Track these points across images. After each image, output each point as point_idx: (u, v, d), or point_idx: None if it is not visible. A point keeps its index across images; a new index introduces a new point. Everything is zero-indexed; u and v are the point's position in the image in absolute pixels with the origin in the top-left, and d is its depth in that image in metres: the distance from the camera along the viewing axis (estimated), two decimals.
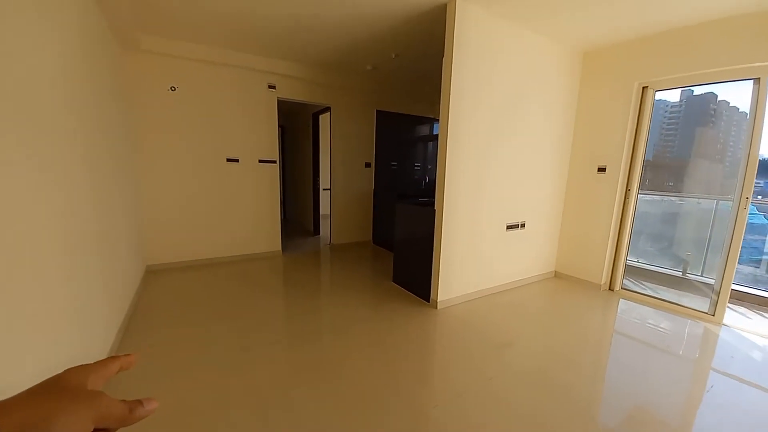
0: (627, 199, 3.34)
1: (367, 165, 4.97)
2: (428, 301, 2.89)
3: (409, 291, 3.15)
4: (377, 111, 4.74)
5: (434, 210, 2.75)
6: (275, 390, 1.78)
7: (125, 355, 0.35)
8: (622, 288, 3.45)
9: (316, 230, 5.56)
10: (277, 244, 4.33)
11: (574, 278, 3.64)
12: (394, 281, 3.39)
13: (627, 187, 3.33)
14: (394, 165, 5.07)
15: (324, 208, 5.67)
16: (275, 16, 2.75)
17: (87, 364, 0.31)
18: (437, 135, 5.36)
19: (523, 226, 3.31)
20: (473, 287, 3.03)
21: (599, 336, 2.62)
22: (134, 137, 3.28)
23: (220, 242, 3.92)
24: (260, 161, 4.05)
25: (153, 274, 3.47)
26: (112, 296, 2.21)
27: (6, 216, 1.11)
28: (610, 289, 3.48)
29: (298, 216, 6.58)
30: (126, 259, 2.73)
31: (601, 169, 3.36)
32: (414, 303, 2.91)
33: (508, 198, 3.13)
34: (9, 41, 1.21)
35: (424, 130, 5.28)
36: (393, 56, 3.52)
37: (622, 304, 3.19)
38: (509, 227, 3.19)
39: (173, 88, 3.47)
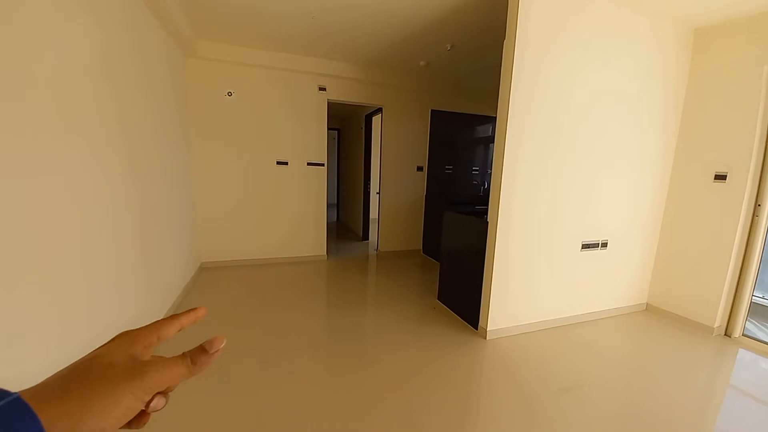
0: (756, 217, 2.50)
1: (420, 168, 4.65)
2: (476, 328, 2.46)
3: (455, 313, 2.74)
4: (432, 110, 4.41)
5: (487, 221, 2.32)
6: (285, 417, 1.57)
7: (190, 310, 0.33)
8: (743, 334, 2.59)
9: (365, 235, 5.40)
10: (322, 249, 4.24)
11: (674, 315, 2.86)
12: (439, 299, 3.01)
13: (757, 201, 2.50)
14: (449, 169, 4.66)
15: (374, 212, 5.48)
16: (328, 7, 2.62)
17: (132, 330, 0.29)
18: None
19: (604, 245, 2.68)
20: (534, 316, 2.51)
21: (706, 394, 1.95)
22: (191, 140, 3.43)
23: (267, 244, 3.95)
24: (309, 164, 4.00)
25: (206, 271, 3.60)
26: (153, 289, 2.27)
27: (58, 212, 1.29)
28: (726, 334, 2.64)
29: (349, 219, 6.52)
30: (176, 256, 2.83)
31: (720, 177, 2.57)
32: (460, 329, 2.51)
33: (586, 209, 2.54)
34: (66, 54, 1.32)
35: (483, 130, 4.79)
36: (448, 48, 3.16)
37: (743, 355, 2.37)
38: (586, 246, 2.60)
39: (230, 94, 3.57)
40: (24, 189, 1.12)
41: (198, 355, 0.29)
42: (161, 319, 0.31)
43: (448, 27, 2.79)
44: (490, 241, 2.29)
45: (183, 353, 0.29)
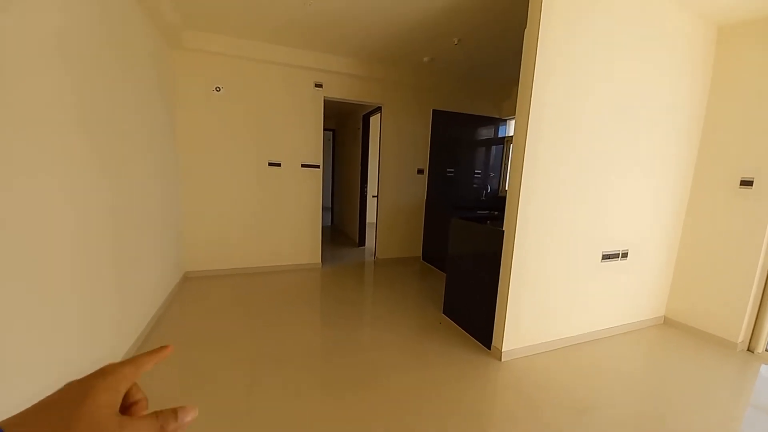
0: None
1: (420, 171, 4.42)
2: (488, 347, 2.23)
3: (463, 329, 2.51)
4: (434, 111, 4.18)
5: (502, 230, 2.10)
6: None
7: (158, 349, 0.33)
8: (766, 350, 2.42)
9: (362, 241, 5.14)
10: (317, 256, 3.98)
11: (694, 329, 2.67)
12: (444, 313, 2.77)
13: None
14: (450, 172, 4.44)
15: (371, 216, 5.24)
16: None
17: (110, 389, 0.27)
18: (503, 138, 4.66)
19: (625, 255, 2.48)
20: (551, 334, 2.29)
21: (728, 412, 1.81)
22: (176, 139, 3.14)
23: (257, 252, 3.67)
24: (303, 166, 3.74)
25: (190, 281, 3.31)
26: (127, 303, 1.99)
27: (12, 216, 1.11)
28: (749, 350, 2.47)
29: (344, 224, 6.26)
30: (157, 264, 2.56)
31: (746, 183, 2.40)
32: (469, 348, 2.27)
33: (606, 216, 2.34)
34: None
35: (486, 132, 4.58)
36: (455, 42, 2.95)
37: (766, 371, 2.21)
38: (606, 257, 2.39)
39: (218, 89, 3.30)
40: None
41: (168, 420, 0.29)
42: (127, 366, 0.29)
43: (456, 18, 2.57)
44: (507, 252, 2.07)
45: (155, 414, 0.29)
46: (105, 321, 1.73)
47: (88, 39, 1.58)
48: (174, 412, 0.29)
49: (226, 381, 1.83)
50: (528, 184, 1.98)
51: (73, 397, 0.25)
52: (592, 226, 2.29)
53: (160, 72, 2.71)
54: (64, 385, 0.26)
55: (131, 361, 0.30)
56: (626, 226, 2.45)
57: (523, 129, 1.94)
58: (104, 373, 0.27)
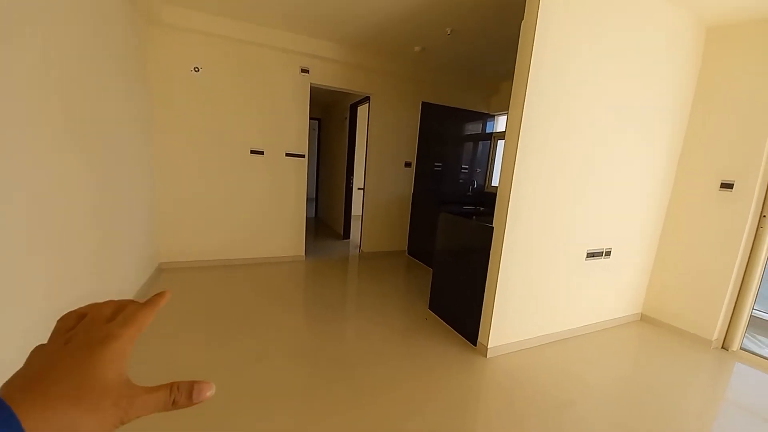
0: (761, 228, 2.42)
1: (407, 165, 4.36)
2: (474, 344, 2.22)
3: (449, 325, 2.49)
4: (423, 103, 4.11)
5: (491, 227, 2.07)
6: None
7: (156, 296, 0.31)
8: (741, 348, 2.52)
9: (346, 233, 5.06)
10: (300, 249, 3.87)
11: (669, 326, 2.76)
12: (431, 308, 2.75)
13: (763, 212, 2.41)
14: (438, 166, 4.41)
15: (356, 209, 5.15)
16: None
17: (122, 339, 0.25)
18: (490, 134, 4.64)
19: (608, 254, 2.51)
20: (536, 331, 2.30)
21: (702, 409, 1.90)
22: (151, 122, 2.94)
23: (236, 243, 3.53)
24: (287, 155, 3.60)
25: (165, 273, 3.14)
26: (98, 294, 1.83)
27: None
28: (723, 347, 2.57)
29: (328, 215, 6.14)
30: (126, 256, 2.40)
31: (726, 185, 2.46)
32: (456, 344, 2.26)
33: (592, 215, 2.35)
34: None
35: (474, 127, 4.56)
36: (448, 32, 2.87)
37: (740, 368, 2.31)
38: (591, 255, 2.41)
39: (197, 69, 3.11)
40: None
41: (183, 398, 0.27)
42: (134, 312, 0.28)
43: (451, 7, 2.50)
44: (496, 249, 2.04)
45: (170, 385, 0.27)
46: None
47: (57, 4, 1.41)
48: (190, 387, 0.27)
49: (207, 378, 1.73)
50: (519, 180, 1.95)
51: (79, 363, 0.23)
52: (579, 225, 2.30)
53: (135, 49, 2.51)
54: (60, 349, 0.24)
55: (133, 319, 0.27)
56: (610, 224, 2.48)
57: (516, 124, 1.90)
58: (108, 338, 0.25)
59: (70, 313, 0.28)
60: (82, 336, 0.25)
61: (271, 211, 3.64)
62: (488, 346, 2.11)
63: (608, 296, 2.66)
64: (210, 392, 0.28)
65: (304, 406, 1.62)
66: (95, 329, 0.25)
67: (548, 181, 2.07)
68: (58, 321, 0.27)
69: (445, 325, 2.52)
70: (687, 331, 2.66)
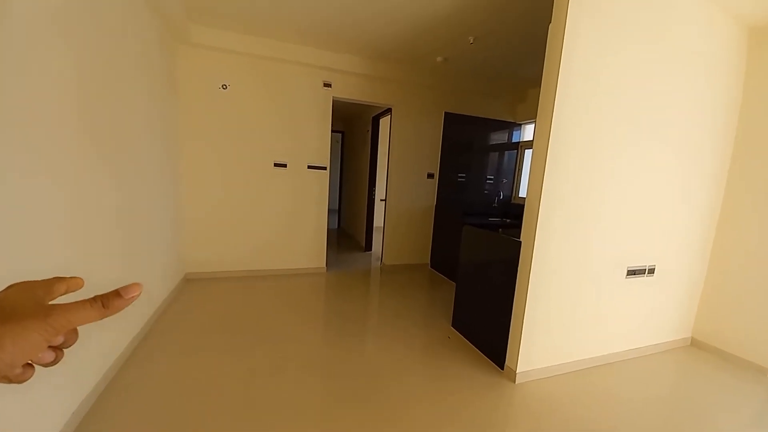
0: None
1: (430, 176, 4.27)
2: (501, 367, 2.06)
3: (474, 345, 2.35)
4: (446, 113, 4.04)
5: (519, 241, 1.94)
6: None
7: (71, 277, 0.35)
8: None
9: (368, 245, 5.01)
10: (321, 261, 3.85)
11: (723, 352, 2.46)
12: (454, 326, 2.61)
13: None
14: (461, 177, 4.29)
15: (378, 220, 5.11)
16: None
17: (31, 281, 0.31)
18: (517, 143, 4.48)
19: (651, 271, 2.29)
20: (571, 355, 2.12)
21: None
22: (179, 136, 3.07)
23: (259, 254, 3.57)
24: (309, 167, 3.63)
25: (191, 283, 3.21)
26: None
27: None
28: None
29: (350, 227, 6.14)
30: (156, 265, 2.49)
31: None
32: (481, 367, 2.11)
33: (633, 229, 2.16)
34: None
35: (500, 137, 4.42)
36: (470, 42, 2.81)
37: None
38: (632, 272, 2.21)
39: (225, 86, 3.22)
40: None
41: (111, 299, 0.30)
42: (51, 278, 0.33)
43: (473, 15, 2.44)
44: (524, 266, 1.91)
45: (94, 297, 0.30)
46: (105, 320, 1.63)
47: (90, 23, 1.49)
48: (116, 292, 0.31)
49: (222, 391, 1.70)
50: (549, 191, 1.82)
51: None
52: (617, 239, 2.11)
53: (165, 67, 2.63)
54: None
55: (76, 306, 0.29)
56: (653, 240, 2.27)
57: (545, 132, 1.78)
58: (47, 313, 0.28)
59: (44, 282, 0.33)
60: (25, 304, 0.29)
61: (294, 223, 3.66)
62: (517, 371, 1.95)
63: (652, 318, 2.41)
64: (138, 291, 0.31)
65: (319, 423, 1.55)
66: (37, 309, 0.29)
67: (581, 193, 1.92)
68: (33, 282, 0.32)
69: (469, 344, 2.38)
70: (743, 358, 2.36)
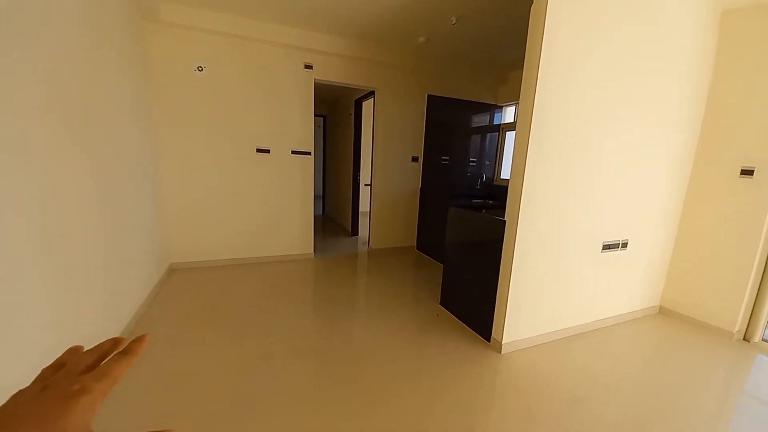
0: None
1: (414, 159, 4.30)
2: (488, 340, 2.18)
3: (461, 321, 2.46)
4: (429, 96, 4.04)
5: (503, 220, 2.02)
6: None
7: (136, 341, 0.32)
8: (763, 339, 2.44)
9: (354, 230, 5.04)
10: (309, 247, 3.86)
11: (689, 318, 2.68)
12: (442, 304, 2.71)
13: None
14: (445, 160, 4.34)
15: (364, 205, 5.13)
16: None
17: (83, 392, 0.26)
18: (498, 125, 4.56)
19: (624, 245, 2.44)
20: (551, 326, 2.26)
21: (722, 401, 1.81)
22: (155, 123, 2.94)
23: (245, 242, 3.53)
24: (293, 152, 3.58)
25: (176, 273, 3.16)
26: (113, 298, 1.85)
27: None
28: (745, 339, 2.49)
29: (336, 212, 6.13)
30: (138, 257, 2.42)
31: (747, 172, 2.37)
32: (469, 340, 2.22)
33: (607, 206, 2.28)
34: None
35: (482, 119, 4.48)
36: (453, 22, 2.80)
37: (762, 360, 2.24)
38: (607, 247, 2.35)
39: (200, 68, 3.09)
40: None
41: (109, 370, 0.28)
42: (110, 366, 0.28)
43: None
44: (508, 244, 1.99)
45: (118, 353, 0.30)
46: (88, 316, 1.60)
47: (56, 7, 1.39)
48: (137, 339, 0.32)
49: (213, 381, 1.73)
50: (531, 172, 1.89)
51: (49, 412, 0.24)
52: (594, 216, 2.23)
53: (134, 46, 2.49)
54: (35, 395, 0.25)
55: (108, 372, 0.27)
56: (627, 215, 2.41)
57: (527, 113, 1.83)
58: (80, 392, 0.25)
59: (50, 365, 0.29)
60: (55, 387, 0.26)
61: (279, 209, 3.63)
62: (502, 342, 2.06)
63: (625, 289, 2.59)
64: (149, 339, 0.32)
65: (312, 405, 1.61)
66: (70, 381, 0.26)
67: (561, 172, 2.00)
68: (42, 370, 0.29)
69: (457, 321, 2.48)
70: (707, 323, 2.58)
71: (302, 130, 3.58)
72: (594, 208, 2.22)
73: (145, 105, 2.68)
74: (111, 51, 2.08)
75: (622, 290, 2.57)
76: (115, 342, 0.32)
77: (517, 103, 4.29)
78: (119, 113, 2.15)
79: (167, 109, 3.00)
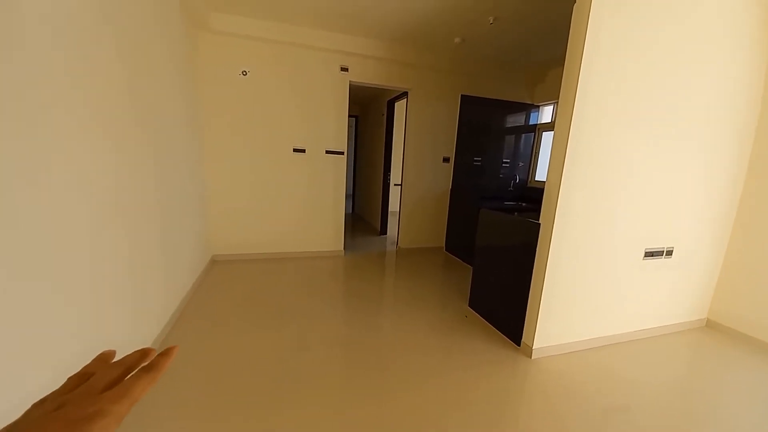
0: None
1: (446, 160, 4.29)
2: (518, 344, 2.15)
3: (490, 323, 2.44)
4: (462, 96, 4.02)
5: (538, 223, 1.99)
6: None
7: (162, 355, 0.30)
8: None
9: (383, 229, 5.10)
10: (339, 244, 3.97)
11: (738, 333, 2.49)
12: (470, 306, 2.70)
13: None
14: (477, 161, 4.29)
15: (393, 205, 5.18)
16: None
17: (100, 415, 0.24)
18: (534, 125, 4.44)
19: (669, 253, 2.31)
20: (586, 333, 2.19)
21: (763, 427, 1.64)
22: (202, 122, 3.16)
23: (282, 237, 3.70)
24: (327, 152, 3.69)
25: (217, 265, 3.38)
26: (168, 284, 2.07)
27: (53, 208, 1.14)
28: None
29: (365, 211, 6.23)
30: (186, 248, 2.62)
31: None
32: (498, 343, 2.21)
33: (651, 212, 2.17)
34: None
35: (517, 119, 4.37)
36: (490, 21, 2.77)
37: None
38: (649, 254, 2.24)
39: (245, 73, 3.27)
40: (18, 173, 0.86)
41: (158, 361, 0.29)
42: (131, 386, 0.27)
43: None
44: (542, 246, 1.96)
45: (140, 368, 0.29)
46: (151, 295, 1.80)
47: (127, 12, 1.57)
48: (163, 353, 0.30)
49: (251, 367, 1.84)
50: (569, 174, 1.84)
51: None
52: (636, 221, 2.14)
53: (188, 54, 2.70)
54: (49, 414, 0.24)
55: (127, 393, 0.26)
56: (672, 221, 2.28)
57: (567, 113, 1.80)
58: (96, 415, 0.24)
59: (77, 373, 0.29)
60: (72, 407, 0.25)
61: (313, 207, 3.76)
62: (533, 347, 2.03)
63: (669, 299, 2.45)
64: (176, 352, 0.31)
65: (340, 393, 1.68)
66: (87, 402, 0.25)
67: (601, 175, 1.94)
68: (68, 379, 0.29)
69: (485, 323, 2.47)
70: (757, 338, 2.39)
71: (336, 130, 3.69)
72: (635, 213, 2.12)
73: (193, 106, 2.89)
74: (171, 55, 2.27)
75: (665, 300, 2.44)
76: (143, 354, 0.31)
77: (556, 102, 4.17)
78: (172, 112, 2.34)
79: (213, 110, 3.21)
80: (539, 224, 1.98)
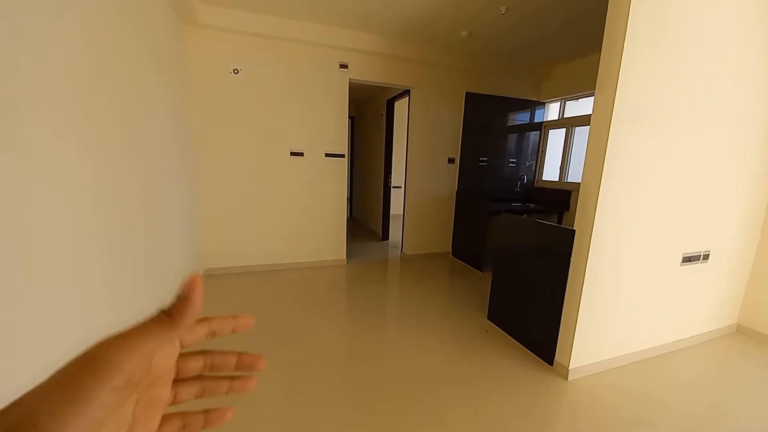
0: None
1: (451, 161, 4.09)
2: (550, 363, 1.95)
3: (515, 338, 2.24)
4: (467, 93, 3.83)
5: (572, 230, 1.80)
6: None
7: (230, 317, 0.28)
8: None
9: (385, 234, 4.88)
10: (341, 252, 3.73)
11: None
12: (489, 318, 2.50)
13: None
14: (483, 161, 4.11)
15: (394, 208, 4.96)
16: None
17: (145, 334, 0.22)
18: (540, 123, 4.27)
19: (706, 257, 2.15)
20: (621, 348, 2.00)
21: None
22: (191, 124, 2.90)
23: (279, 247, 3.45)
24: (327, 155, 3.46)
25: (211, 279, 3.11)
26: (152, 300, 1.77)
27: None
28: None
29: (364, 216, 6.00)
30: (176, 261, 2.36)
31: None
32: (527, 362, 2.01)
33: (688, 214, 2.01)
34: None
35: (522, 117, 4.21)
36: (503, 12, 2.58)
37: None
38: (687, 259, 2.07)
39: (236, 71, 3.02)
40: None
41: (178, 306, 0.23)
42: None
43: None
44: (579, 256, 1.77)
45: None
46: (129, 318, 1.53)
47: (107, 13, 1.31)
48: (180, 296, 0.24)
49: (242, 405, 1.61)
50: (608, 176, 1.66)
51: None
52: (674, 224, 1.97)
53: (173, 49, 2.44)
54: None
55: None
56: (709, 224, 2.12)
57: (607, 109, 1.61)
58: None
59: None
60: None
61: (312, 214, 3.52)
62: (569, 368, 1.84)
63: (703, 306, 2.29)
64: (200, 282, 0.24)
65: (343, 426, 1.45)
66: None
67: (640, 177, 1.76)
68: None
69: (508, 338, 2.27)
70: None
71: (336, 132, 3.46)
72: (673, 216, 1.95)
73: (181, 107, 2.63)
74: (153, 53, 2.02)
75: (700, 307, 2.28)
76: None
77: (563, 99, 4.02)
78: (158, 115, 2.09)
79: (203, 111, 2.95)
80: (574, 230, 1.79)
